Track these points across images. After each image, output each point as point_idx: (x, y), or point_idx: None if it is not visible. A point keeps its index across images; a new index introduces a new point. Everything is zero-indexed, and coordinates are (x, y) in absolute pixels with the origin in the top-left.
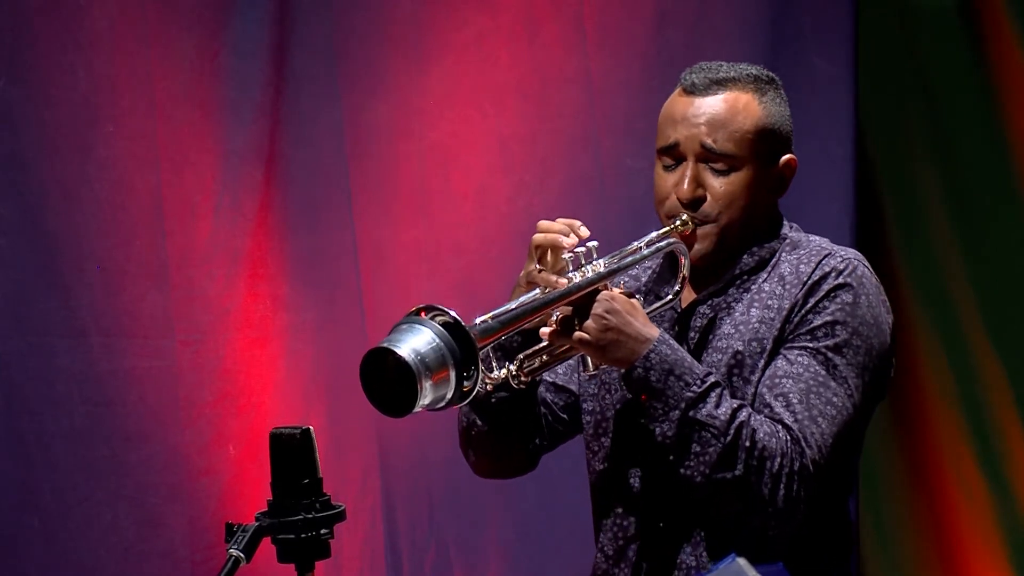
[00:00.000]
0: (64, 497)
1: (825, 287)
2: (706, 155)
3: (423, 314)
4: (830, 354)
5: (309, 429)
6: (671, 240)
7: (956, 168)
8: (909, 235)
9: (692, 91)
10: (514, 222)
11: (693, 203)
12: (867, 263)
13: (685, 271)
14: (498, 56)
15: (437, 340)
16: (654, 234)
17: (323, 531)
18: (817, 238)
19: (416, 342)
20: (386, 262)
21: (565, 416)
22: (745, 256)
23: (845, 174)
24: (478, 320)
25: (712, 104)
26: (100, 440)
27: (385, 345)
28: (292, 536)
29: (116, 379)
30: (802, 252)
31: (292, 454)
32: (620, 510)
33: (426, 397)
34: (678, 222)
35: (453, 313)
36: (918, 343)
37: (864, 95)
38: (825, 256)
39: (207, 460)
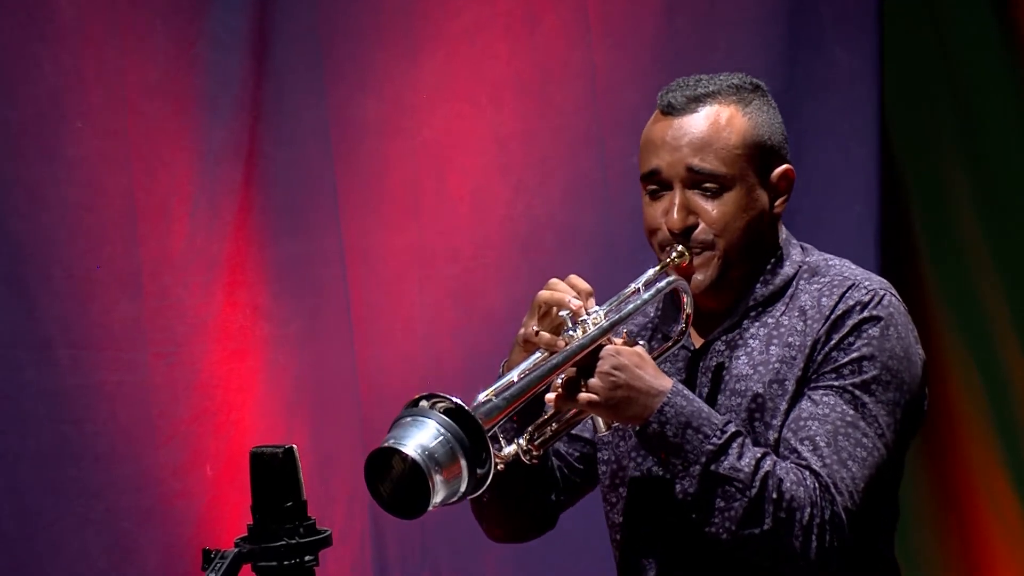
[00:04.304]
0: (29, 522)
1: (850, 322)
2: (693, 178)
3: (423, 402)
4: (858, 392)
5: (292, 448)
6: (670, 279)
7: (988, 169)
8: (938, 242)
9: (670, 112)
10: (512, 225)
11: (685, 232)
12: (895, 292)
13: (689, 309)
14: (496, 48)
15: (443, 432)
16: (651, 272)
17: (308, 558)
18: (837, 262)
19: (421, 437)
20: (375, 269)
21: (581, 467)
22: (758, 286)
23: (868, 176)
24: (481, 397)
25: (693, 123)
26: (68, 460)
27: (389, 444)
28: (274, 563)
29: (85, 395)
30: (823, 281)
31: (274, 475)
32: (646, 564)
33: (439, 494)
34: (674, 254)
35: (456, 399)
36: (948, 358)
37: (889, 90)
38: (849, 288)
39: (182, 482)
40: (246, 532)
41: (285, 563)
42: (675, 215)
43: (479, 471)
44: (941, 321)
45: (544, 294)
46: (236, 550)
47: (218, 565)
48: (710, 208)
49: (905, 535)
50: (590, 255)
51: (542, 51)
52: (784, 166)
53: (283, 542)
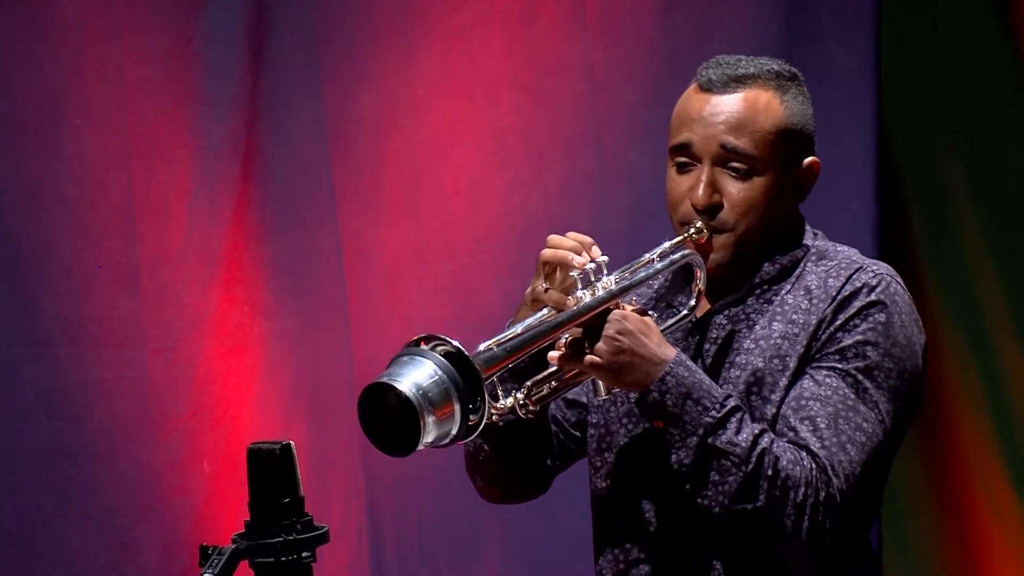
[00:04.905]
0: (28, 519)
1: (856, 304)
2: (724, 157)
3: (423, 344)
4: (860, 376)
5: (290, 444)
6: (685, 252)
7: (986, 166)
8: (936, 239)
9: (709, 88)
10: (509, 221)
11: (709, 210)
12: (899, 279)
13: (701, 285)
14: (492, 43)
15: (440, 373)
16: (667, 244)
17: (305, 554)
18: (845, 248)
19: (417, 375)
20: (372, 265)
21: (578, 433)
22: (766, 265)
23: (866, 172)
24: (482, 347)
25: (730, 103)
26: (66, 457)
27: (384, 380)
28: (271, 559)
29: (84, 391)
30: (830, 264)
31: (271, 471)
32: (624, 533)
33: (429, 434)
34: (692, 230)
35: (456, 343)
36: (946, 354)
37: (887, 86)
38: (856, 270)
39: (180, 478)
40: (243, 528)
41: (282, 559)
42: (701, 191)
43: (472, 416)
44: (939, 317)
45: (547, 253)
46: (233, 546)
47: (215, 561)
48: (735, 190)
49: (902, 530)
50: None
51: (539, 47)
52: (812, 158)
53: (280, 538)
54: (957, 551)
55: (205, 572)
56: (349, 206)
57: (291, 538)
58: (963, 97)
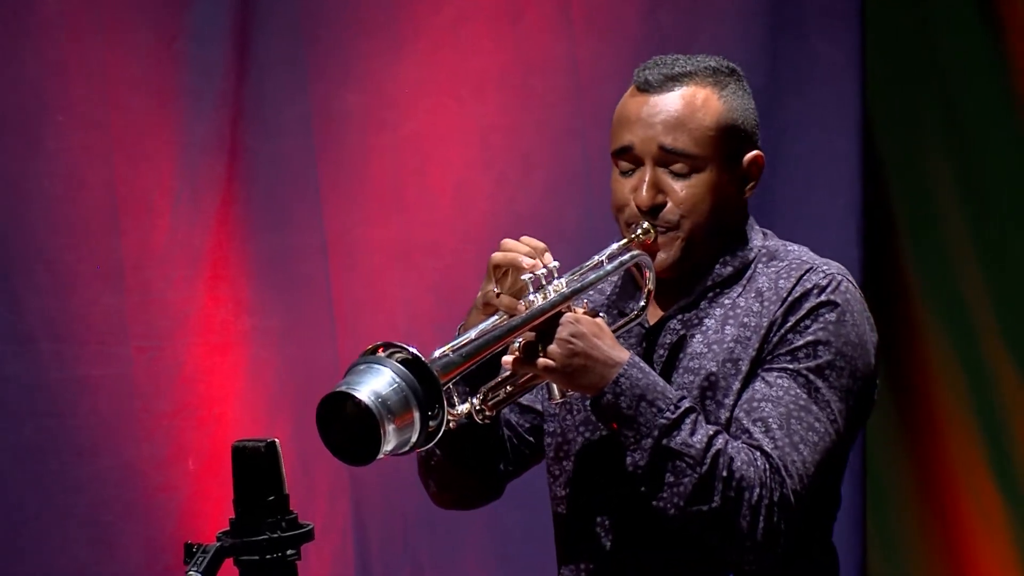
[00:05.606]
0: (11, 515)
1: (807, 305)
2: (665, 157)
3: (380, 351)
4: (812, 376)
5: (274, 442)
6: (634, 253)
7: (972, 162)
8: (921, 235)
9: (646, 89)
10: (495, 219)
11: (653, 210)
12: (851, 278)
13: (651, 285)
14: (478, 41)
15: (398, 380)
16: (615, 246)
17: (289, 552)
18: (796, 247)
19: (376, 384)
20: (357, 263)
21: (532, 439)
22: (717, 266)
23: (851, 169)
24: (437, 353)
25: (668, 102)
26: (50, 454)
27: (343, 389)
28: (256, 557)
29: (67, 388)
30: (781, 265)
31: (256, 469)
32: (585, 539)
33: (390, 443)
34: (639, 231)
35: (413, 349)
36: (929, 349)
37: (872, 83)
38: (807, 271)
39: (165, 475)
40: (228, 526)
41: (267, 557)
42: (644, 193)
43: (431, 423)
44: (923, 311)
45: (497, 255)
46: (218, 544)
47: (200, 559)
48: (679, 188)
49: (888, 529)
50: (572, 248)
51: (525, 44)
52: (755, 152)
53: (265, 536)
54: (943, 551)
55: (190, 570)
56: (335, 204)
57: (276, 536)
58: (948, 93)
